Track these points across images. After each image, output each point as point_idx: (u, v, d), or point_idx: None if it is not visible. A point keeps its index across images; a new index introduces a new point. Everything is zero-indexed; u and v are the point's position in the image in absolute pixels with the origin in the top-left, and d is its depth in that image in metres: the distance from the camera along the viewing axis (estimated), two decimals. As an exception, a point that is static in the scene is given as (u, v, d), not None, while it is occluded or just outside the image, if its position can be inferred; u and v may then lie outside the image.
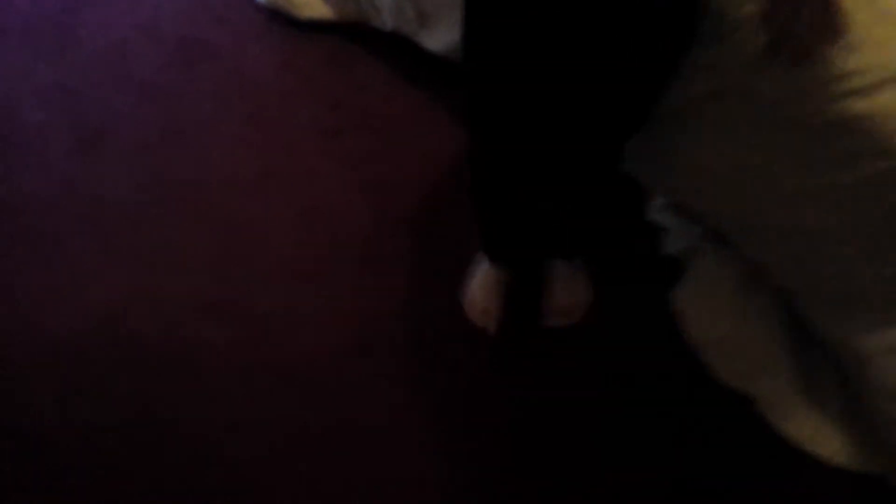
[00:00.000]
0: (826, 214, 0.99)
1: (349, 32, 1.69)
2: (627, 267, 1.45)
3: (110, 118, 1.71)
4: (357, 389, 1.35)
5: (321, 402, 1.34)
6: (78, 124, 1.69)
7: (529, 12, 0.87)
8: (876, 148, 0.88)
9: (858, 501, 1.25)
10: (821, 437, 1.27)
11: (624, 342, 1.39)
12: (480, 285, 1.41)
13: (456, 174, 1.55)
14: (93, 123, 1.70)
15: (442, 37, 1.48)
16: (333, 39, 1.70)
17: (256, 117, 1.67)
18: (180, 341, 1.40)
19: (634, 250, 1.45)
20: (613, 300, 1.42)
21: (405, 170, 1.57)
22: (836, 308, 1.14)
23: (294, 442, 1.30)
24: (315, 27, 1.71)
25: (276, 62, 1.72)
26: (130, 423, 1.33)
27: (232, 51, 1.76)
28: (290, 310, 1.44)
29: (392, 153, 1.59)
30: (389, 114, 1.63)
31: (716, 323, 1.31)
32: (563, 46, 0.88)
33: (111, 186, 1.61)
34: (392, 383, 1.35)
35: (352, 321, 1.42)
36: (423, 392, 1.35)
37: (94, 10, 1.87)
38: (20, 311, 1.45)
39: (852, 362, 1.20)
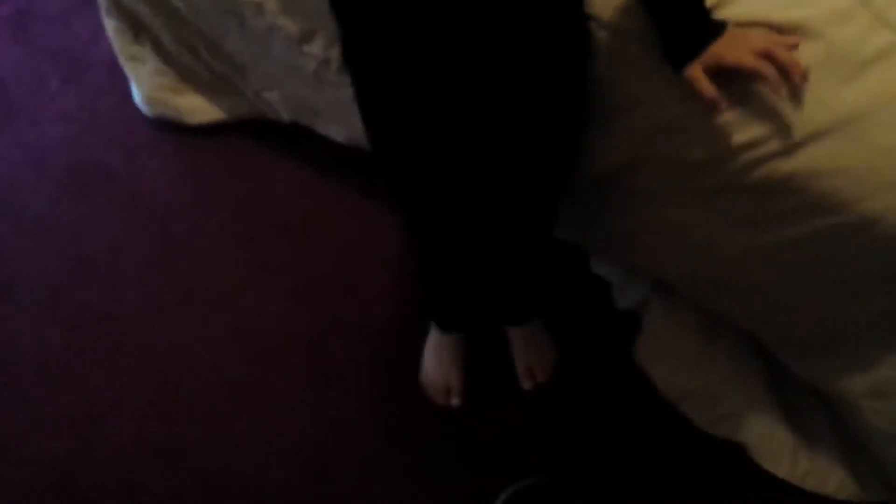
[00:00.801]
0: (778, 269, 0.90)
1: (245, 130, 1.58)
2: (584, 325, 1.37)
3: (12, 266, 1.58)
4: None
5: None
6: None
7: (428, 104, 0.87)
8: (810, 207, 0.80)
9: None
10: (819, 475, 1.20)
11: (598, 400, 1.33)
12: (436, 360, 1.35)
13: (383, 260, 1.45)
14: (-5, 276, 1.57)
15: (341, 130, 1.37)
16: (230, 140, 1.58)
17: (164, 236, 1.55)
18: (136, 490, 1.33)
19: (587, 307, 1.36)
20: (578, 360, 1.35)
21: (331, 267, 1.46)
22: (807, 353, 1.06)
23: None
24: (208, 131, 1.59)
25: (173, 175, 1.60)
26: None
27: (126, 170, 1.63)
28: (238, 443, 1.35)
29: (313, 252, 1.48)
30: (301, 210, 1.51)
31: (684, 375, 1.22)
32: (465, 133, 0.90)
33: (27, 340, 1.49)
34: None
35: (305, 444, 1.33)
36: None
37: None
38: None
39: (839, 404, 1.12)
